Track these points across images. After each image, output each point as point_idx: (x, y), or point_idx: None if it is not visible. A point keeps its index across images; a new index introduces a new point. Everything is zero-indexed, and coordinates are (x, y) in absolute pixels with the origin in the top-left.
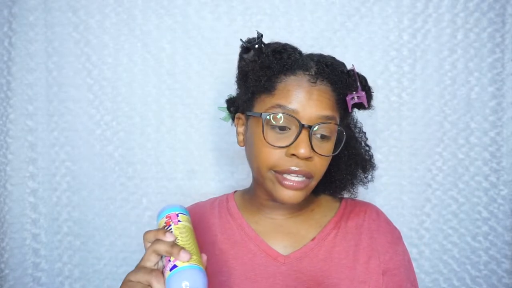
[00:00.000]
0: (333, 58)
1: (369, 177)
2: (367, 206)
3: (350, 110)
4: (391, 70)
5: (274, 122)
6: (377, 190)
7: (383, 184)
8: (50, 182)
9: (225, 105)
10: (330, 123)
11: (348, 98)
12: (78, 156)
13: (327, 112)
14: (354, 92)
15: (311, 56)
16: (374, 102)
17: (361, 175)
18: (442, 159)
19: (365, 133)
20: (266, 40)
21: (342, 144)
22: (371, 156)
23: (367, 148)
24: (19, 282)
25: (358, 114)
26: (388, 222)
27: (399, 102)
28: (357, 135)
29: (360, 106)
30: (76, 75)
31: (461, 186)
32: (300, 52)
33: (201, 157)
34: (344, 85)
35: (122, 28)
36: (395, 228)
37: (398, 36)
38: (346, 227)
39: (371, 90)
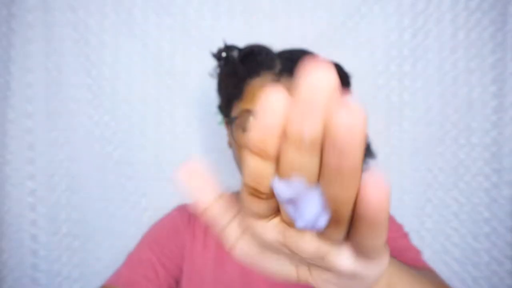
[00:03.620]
0: (303, 52)
1: (364, 166)
2: None
3: None
4: (392, 70)
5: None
6: None
7: None
8: (49, 182)
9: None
10: None
11: None
12: (77, 156)
13: None
14: None
15: (281, 53)
16: (374, 102)
17: None
18: (443, 159)
19: None
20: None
21: None
22: (368, 144)
23: None
24: (18, 283)
25: None
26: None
27: (400, 102)
28: None
29: None
30: (75, 75)
31: (462, 186)
32: (267, 52)
33: (201, 157)
34: None
35: (122, 28)
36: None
37: (399, 35)
38: None
39: (349, 77)
